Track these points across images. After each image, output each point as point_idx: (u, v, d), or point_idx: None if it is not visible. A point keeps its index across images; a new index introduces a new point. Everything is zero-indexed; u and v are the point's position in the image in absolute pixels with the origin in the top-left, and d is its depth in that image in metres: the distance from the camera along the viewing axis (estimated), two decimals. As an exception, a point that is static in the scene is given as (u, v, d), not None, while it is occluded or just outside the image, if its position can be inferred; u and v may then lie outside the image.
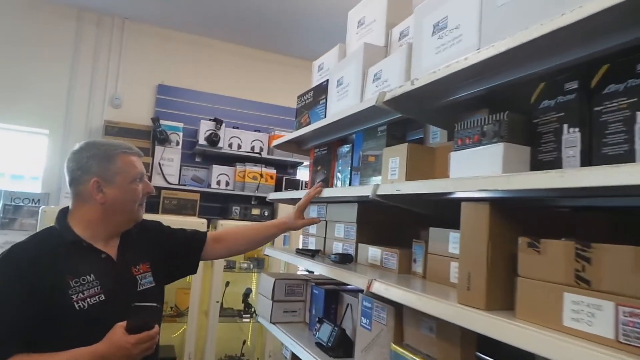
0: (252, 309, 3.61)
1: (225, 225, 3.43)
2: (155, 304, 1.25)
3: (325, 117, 1.90)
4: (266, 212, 3.65)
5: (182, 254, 1.61)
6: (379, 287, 1.17)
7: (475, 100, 1.22)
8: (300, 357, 1.64)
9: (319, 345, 1.63)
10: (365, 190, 1.31)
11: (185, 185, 3.62)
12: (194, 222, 3.36)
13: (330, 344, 1.55)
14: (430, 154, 1.30)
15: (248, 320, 3.58)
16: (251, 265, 3.64)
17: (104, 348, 1.16)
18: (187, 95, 3.85)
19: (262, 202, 3.78)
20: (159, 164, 3.49)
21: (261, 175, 3.72)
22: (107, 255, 1.33)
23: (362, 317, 1.45)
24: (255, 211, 3.63)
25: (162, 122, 3.54)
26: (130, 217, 1.39)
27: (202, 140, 3.56)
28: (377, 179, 1.51)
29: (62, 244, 1.27)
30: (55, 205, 3.34)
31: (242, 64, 4.12)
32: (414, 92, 1.19)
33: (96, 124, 3.56)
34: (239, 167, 3.70)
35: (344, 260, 1.59)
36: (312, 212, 2.11)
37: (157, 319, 1.29)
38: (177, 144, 3.58)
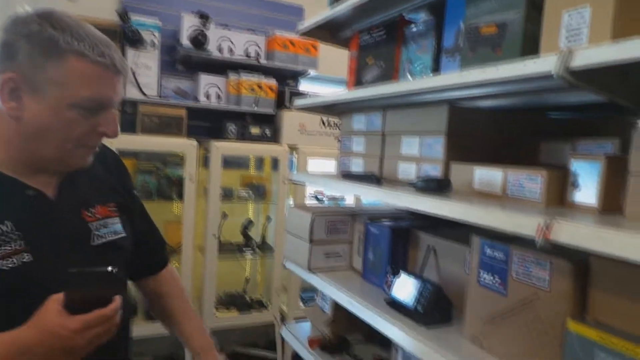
0: (253, 242, 3.16)
1: (221, 147, 2.84)
2: (108, 268, 0.76)
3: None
4: (267, 130, 3.05)
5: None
6: (574, 234, 0.65)
7: None
8: (369, 321, 1.17)
9: (395, 306, 1.16)
10: (534, 66, 0.74)
11: (167, 98, 2.95)
12: (182, 144, 2.76)
13: (420, 309, 1.07)
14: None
15: (249, 255, 3.14)
16: (251, 194, 3.12)
17: (29, 336, 0.73)
18: (162, -17, 3.03)
19: (259, 119, 3.16)
20: (132, 71, 2.78)
21: (260, 87, 3.07)
22: (37, 193, 0.86)
23: (483, 272, 0.96)
24: (255, 130, 3.02)
25: (133, 17, 2.77)
26: (59, 157, 0.85)
27: (185, 41, 2.83)
28: (504, 58, 0.94)
29: None
30: None
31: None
32: None
33: (45, 19, 2.75)
34: (232, 77, 3.02)
35: (439, 186, 1.07)
36: (358, 123, 1.55)
37: (117, 289, 0.79)
38: (154, 46, 2.85)
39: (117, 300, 0.76)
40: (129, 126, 2.76)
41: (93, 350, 0.77)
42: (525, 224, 0.73)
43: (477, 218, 0.80)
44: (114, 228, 0.96)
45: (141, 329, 2.70)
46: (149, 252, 1.16)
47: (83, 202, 0.92)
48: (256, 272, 3.43)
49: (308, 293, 3.21)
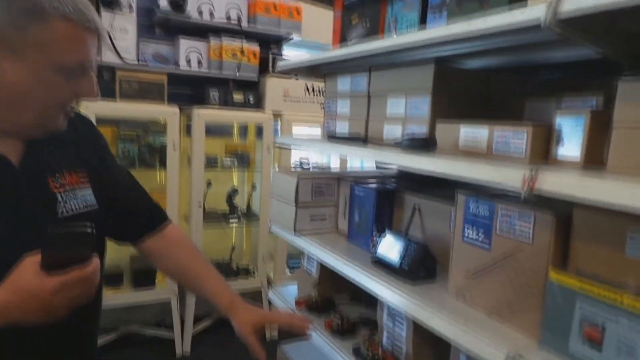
0: (239, 210, 3.15)
1: (203, 115, 2.78)
2: (86, 226, 0.72)
3: None
4: (251, 97, 3.00)
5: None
6: (559, 184, 0.66)
7: None
8: (355, 279, 1.18)
9: (381, 264, 1.17)
10: (522, 16, 0.72)
11: (146, 63, 2.86)
12: (164, 111, 2.70)
13: (405, 266, 1.08)
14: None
15: (235, 223, 3.13)
16: (235, 162, 3.09)
17: (5, 297, 0.69)
18: (136, -59, 2.88)
19: (242, 85, 3.10)
20: (109, 35, 2.67)
21: (242, 52, 2.99)
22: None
23: (467, 228, 0.97)
24: (238, 96, 2.96)
25: (106, -24, 2.64)
26: (37, 122, 0.83)
27: (163, 3, 2.72)
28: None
29: None
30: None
31: None
32: None
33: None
34: (214, 42, 2.93)
35: (424, 144, 1.06)
36: (343, 84, 1.53)
37: (93, 249, 0.75)
38: (131, 8, 2.73)
39: (96, 260, 0.73)
40: (108, 92, 2.67)
41: (70, 312, 0.74)
42: (510, 176, 0.73)
43: (463, 172, 0.80)
44: (84, 199, 0.91)
45: (128, 296, 2.71)
46: (144, 210, 1.12)
47: (49, 168, 0.87)
48: (242, 240, 3.44)
49: (294, 260, 3.24)
